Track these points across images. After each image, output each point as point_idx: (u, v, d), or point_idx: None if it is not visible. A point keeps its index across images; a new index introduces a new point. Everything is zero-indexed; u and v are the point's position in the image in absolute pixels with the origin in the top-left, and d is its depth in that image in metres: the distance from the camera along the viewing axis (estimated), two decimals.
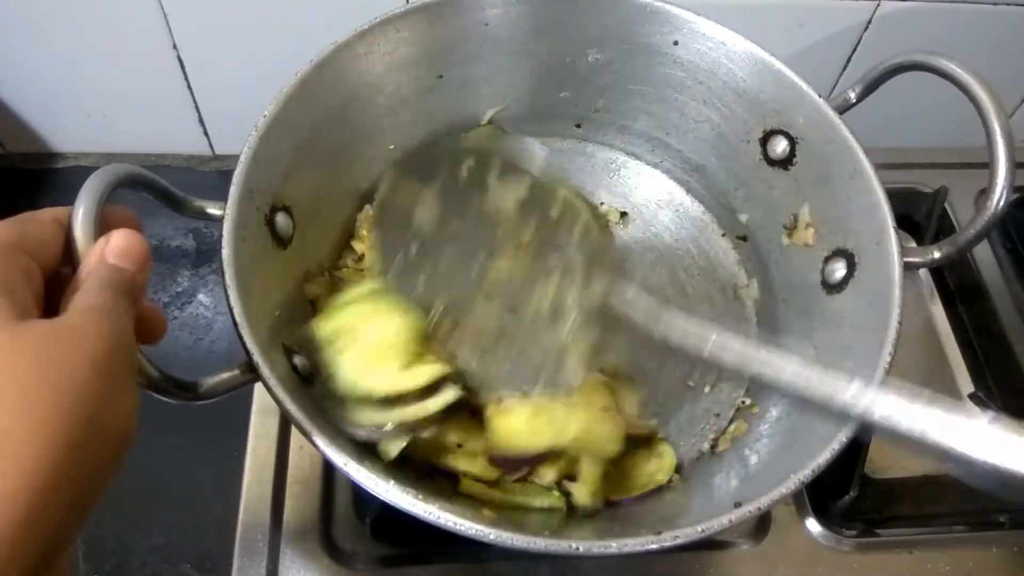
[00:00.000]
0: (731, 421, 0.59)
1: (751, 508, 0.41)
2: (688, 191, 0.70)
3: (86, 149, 0.85)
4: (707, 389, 0.60)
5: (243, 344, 0.42)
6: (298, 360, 0.49)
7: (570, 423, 0.48)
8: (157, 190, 0.45)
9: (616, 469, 0.53)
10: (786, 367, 0.42)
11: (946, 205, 0.80)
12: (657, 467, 0.55)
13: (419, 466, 0.51)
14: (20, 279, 0.32)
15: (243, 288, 0.44)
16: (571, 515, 0.51)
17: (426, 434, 0.46)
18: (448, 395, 0.46)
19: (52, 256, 0.35)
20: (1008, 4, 0.74)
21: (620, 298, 0.48)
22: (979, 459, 0.35)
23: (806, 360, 0.42)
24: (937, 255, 0.53)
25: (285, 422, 0.63)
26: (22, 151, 0.84)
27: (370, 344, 0.47)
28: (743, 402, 0.59)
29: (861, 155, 0.53)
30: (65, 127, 0.82)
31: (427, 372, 0.46)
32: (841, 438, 0.43)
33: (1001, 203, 0.49)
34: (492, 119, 0.67)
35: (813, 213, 0.58)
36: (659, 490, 0.55)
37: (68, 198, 0.37)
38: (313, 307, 0.56)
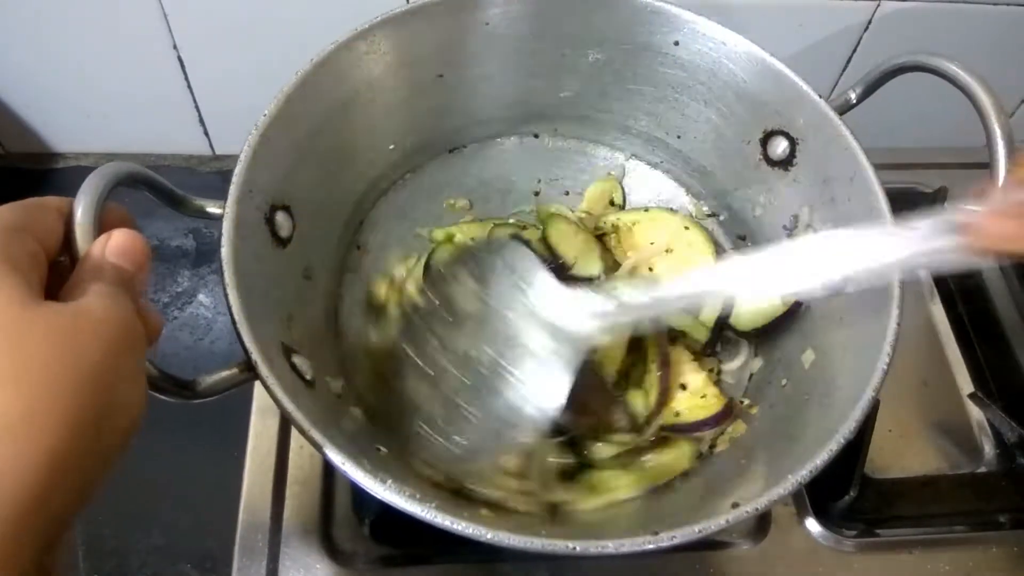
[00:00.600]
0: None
1: (748, 509, 0.41)
2: (688, 191, 0.70)
3: (86, 149, 0.85)
4: None
5: (242, 343, 0.42)
6: (297, 359, 0.49)
7: None
8: (157, 188, 0.45)
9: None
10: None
11: (946, 205, 0.80)
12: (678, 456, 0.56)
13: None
14: (27, 261, 0.32)
15: (242, 287, 0.44)
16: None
17: None
18: None
19: (55, 244, 0.35)
20: (1008, 4, 0.74)
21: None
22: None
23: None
24: None
25: (285, 422, 0.63)
26: (22, 151, 0.84)
27: None
28: (742, 402, 0.59)
29: (861, 156, 0.53)
30: (65, 127, 0.82)
31: None
32: (839, 439, 0.43)
33: None
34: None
35: (813, 214, 0.58)
36: (660, 488, 0.55)
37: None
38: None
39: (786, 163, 0.59)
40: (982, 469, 0.67)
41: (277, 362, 0.45)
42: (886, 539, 0.61)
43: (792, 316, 0.58)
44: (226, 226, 0.46)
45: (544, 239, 0.64)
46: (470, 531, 0.39)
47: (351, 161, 0.61)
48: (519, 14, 0.61)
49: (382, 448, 0.54)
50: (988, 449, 0.68)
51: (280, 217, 0.52)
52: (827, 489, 0.62)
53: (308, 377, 0.49)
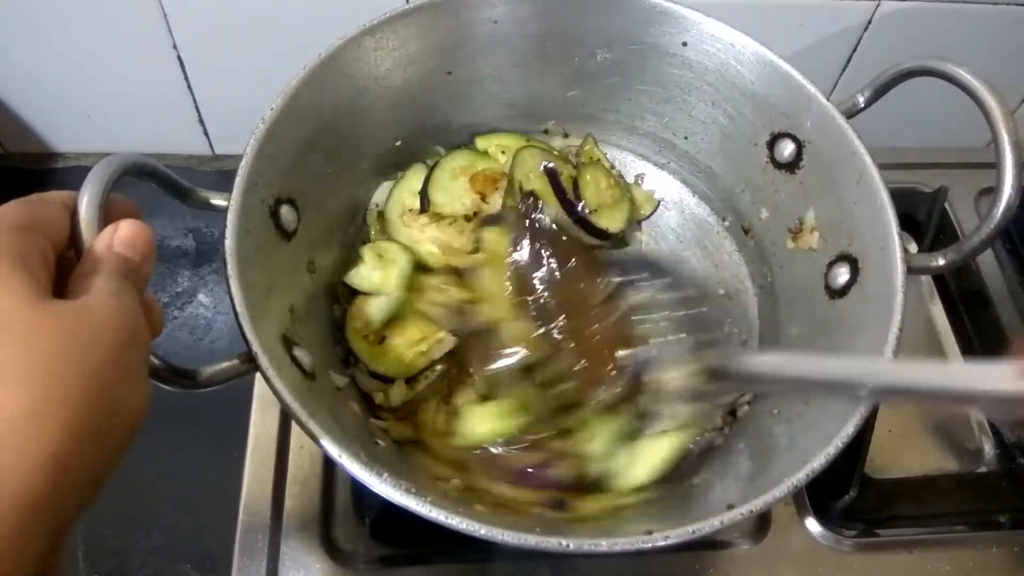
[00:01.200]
0: (729, 422, 0.59)
1: (743, 511, 0.41)
2: (694, 192, 0.70)
3: (86, 149, 0.85)
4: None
5: (243, 334, 0.43)
6: (298, 352, 0.49)
7: None
8: (163, 179, 0.45)
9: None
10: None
11: (946, 205, 0.80)
12: None
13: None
14: (37, 259, 0.33)
15: (245, 279, 0.44)
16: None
17: None
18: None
19: (62, 239, 0.35)
20: (1008, 4, 0.74)
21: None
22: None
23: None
24: (941, 262, 0.52)
25: (285, 422, 0.63)
26: (22, 151, 0.84)
27: None
28: (741, 405, 0.59)
29: (868, 160, 0.53)
30: (65, 127, 0.82)
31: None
32: (837, 443, 0.43)
33: (1009, 211, 0.49)
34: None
35: (818, 217, 0.58)
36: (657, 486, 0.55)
37: None
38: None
39: (793, 166, 0.59)
40: (982, 469, 0.67)
41: (277, 354, 0.45)
42: (886, 539, 0.61)
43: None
44: (231, 218, 0.46)
45: (575, 178, 0.65)
46: (464, 526, 0.39)
47: (358, 155, 0.61)
48: (527, 13, 0.61)
49: (380, 442, 0.54)
50: (988, 449, 0.68)
51: (285, 210, 0.52)
52: (827, 489, 0.62)
53: (308, 369, 0.49)
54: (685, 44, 0.61)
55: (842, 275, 0.55)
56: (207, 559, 0.60)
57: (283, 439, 0.62)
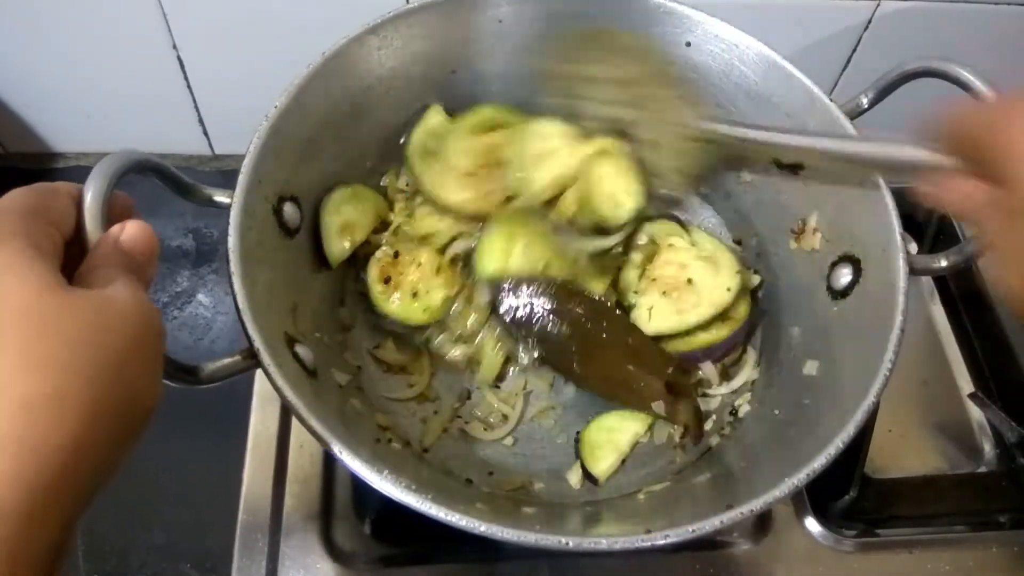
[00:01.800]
0: (729, 422, 0.60)
1: (742, 510, 0.41)
2: (696, 192, 0.70)
3: (86, 149, 0.85)
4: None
5: (245, 330, 0.43)
6: (300, 349, 0.49)
7: None
8: (166, 176, 0.45)
9: None
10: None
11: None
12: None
13: None
14: (50, 246, 0.33)
15: (247, 276, 0.45)
16: None
17: None
18: None
19: (69, 229, 0.36)
20: (1008, 4, 0.74)
21: None
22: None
23: None
24: (944, 263, 0.52)
25: (285, 421, 0.63)
26: (22, 151, 0.84)
27: None
28: (741, 406, 0.60)
29: None
30: (65, 127, 0.82)
31: None
32: (838, 444, 0.43)
33: None
34: None
35: (821, 218, 0.58)
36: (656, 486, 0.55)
37: None
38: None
39: (797, 167, 0.59)
40: (982, 469, 0.67)
41: (279, 351, 0.45)
42: (886, 539, 0.61)
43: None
44: (233, 214, 0.46)
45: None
46: (464, 523, 0.39)
47: (362, 154, 0.61)
48: (533, 12, 0.61)
49: (380, 439, 0.54)
50: (988, 449, 0.68)
51: (288, 208, 0.53)
52: (827, 489, 0.62)
53: (310, 366, 0.49)
54: (689, 44, 0.61)
55: (844, 276, 0.55)
56: (207, 558, 0.60)
57: (283, 438, 0.62)
